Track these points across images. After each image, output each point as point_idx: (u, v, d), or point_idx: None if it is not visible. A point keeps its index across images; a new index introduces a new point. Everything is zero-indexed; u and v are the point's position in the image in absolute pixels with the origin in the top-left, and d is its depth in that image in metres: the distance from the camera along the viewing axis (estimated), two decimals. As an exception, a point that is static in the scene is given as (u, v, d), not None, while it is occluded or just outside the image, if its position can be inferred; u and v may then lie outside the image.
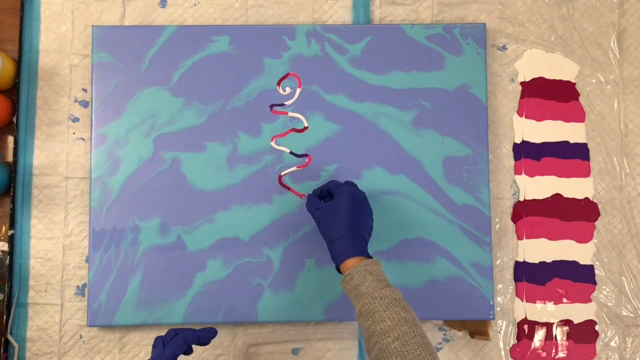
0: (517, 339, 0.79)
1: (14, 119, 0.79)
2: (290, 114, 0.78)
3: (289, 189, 0.77)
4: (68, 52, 0.81)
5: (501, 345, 0.79)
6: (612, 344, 0.80)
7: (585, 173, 0.82)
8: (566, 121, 0.82)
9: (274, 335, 0.78)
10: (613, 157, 0.82)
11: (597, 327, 0.80)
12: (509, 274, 0.80)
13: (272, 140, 0.78)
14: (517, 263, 0.80)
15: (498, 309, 0.80)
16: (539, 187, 0.81)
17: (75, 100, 0.80)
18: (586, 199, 0.81)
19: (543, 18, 0.84)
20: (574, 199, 0.81)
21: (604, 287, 0.80)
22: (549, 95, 0.82)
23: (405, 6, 0.83)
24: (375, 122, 0.79)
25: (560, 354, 0.79)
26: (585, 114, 0.83)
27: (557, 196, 0.81)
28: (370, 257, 0.63)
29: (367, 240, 0.66)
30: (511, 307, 0.80)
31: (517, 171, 0.82)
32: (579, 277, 0.80)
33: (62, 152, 0.80)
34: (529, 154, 0.82)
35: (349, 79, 0.79)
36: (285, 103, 0.78)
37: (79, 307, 0.78)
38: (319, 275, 0.76)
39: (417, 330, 0.56)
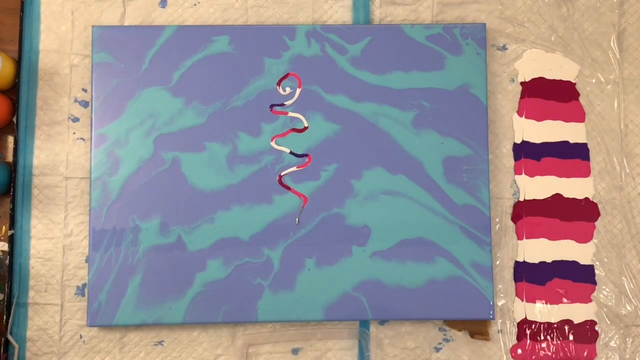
0: (517, 339, 0.79)
1: (14, 119, 0.79)
2: (290, 114, 0.78)
3: (289, 189, 0.77)
4: (68, 52, 0.81)
5: (501, 345, 0.79)
6: (612, 344, 0.80)
7: (585, 173, 0.82)
8: (566, 121, 0.82)
9: (274, 335, 0.78)
10: (613, 157, 0.82)
11: (597, 327, 0.80)
12: (509, 274, 0.80)
13: (272, 140, 0.78)
14: (517, 263, 0.80)
15: (498, 309, 0.80)
16: (539, 187, 0.81)
17: (75, 100, 0.80)
18: (586, 199, 0.81)
19: (543, 18, 0.84)
20: (574, 199, 0.81)
21: (604, 287, 0.80)
22: (549, 95, 0.82)
23: (405, 6, 0.83)
24: (375, 122, 0.79)
25: (560, 354, 0.79)
26: (585, 114, 0.83)
27: (557, 196, 0.81)
28: None
29: None
30: (511, 307, 0.80)
31: (517, 171, 0.82)
32: (579, 277, 0.80)
33: (62, 152, 0.80)
34: (529, 154, 0.82)
35: (349, 79, 0.79)
36: (285, 103, 0.79)
37: (79, 307, 0.78)
38: (319, 275, 0.76)
39: None
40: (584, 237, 0.81)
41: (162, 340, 0.78)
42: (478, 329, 0.77)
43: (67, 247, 0.78)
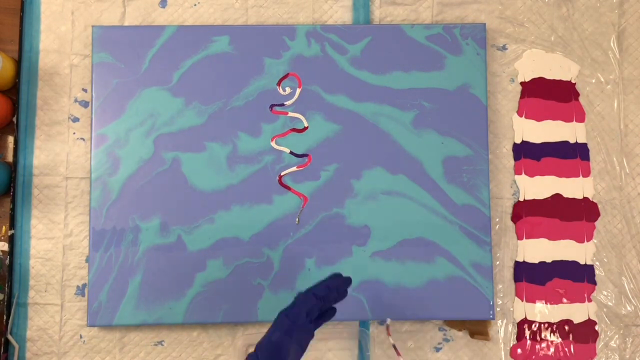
0: (517, 339, 0.79)
1: (14, 119, 0.79)
2: (290, 114, 0.78)
3: (289, 189, 0.77)
4: (68, 52, 0.81)
5: (501, 345, 0.79)
6: (612, 343, 0.80)
7: (585, 173, 0.82)
8: (566, 121, 0.82)
9: (274, 335, 0.78)
10: (613, 157, 0.82)
11: (597, 327, 0.80)
12: (509, 274, 0.80)
13: (272, 140, 0.78)
14: (517, 263, 0.80)
15: (498, 309, 0.80)
16: (538, 187, 0.81)
17: (76, 100, 0.80)
18: (586, 199, 0.81)
19: (543, 18, 0.84)
20: (573, 199, 0.81)
21: (603, 287, 0.80)
22: (549, 95, 0.82)
23: (405, 6, 0.83)
24: (375, 122, 0.79)
25: (560, 354, 0.79)
26: (585, 114, 0.83)
27: (557, 196, 0.81)
28: None
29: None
30: (511, 307, 0.80)
31: (517, 171, 0.82)
32: (578, 277, 0.80)
33: (62, 152, 0.80)
34: (529, 154, 0.82)
35: (349, 79, 0.79)
36: (285, 103, 0.78)
37: (79, 307, 0.78)
38: (319, 275, 0.76)
39: None
40: (583, 237, 0.81)
41: (162, 340, 0.78)
42: (478, 329, 0.77)
43: (67, 247, 0.78)
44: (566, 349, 0.79)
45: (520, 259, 0.80)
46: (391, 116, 0.79)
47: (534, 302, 0.79)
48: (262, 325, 0.78)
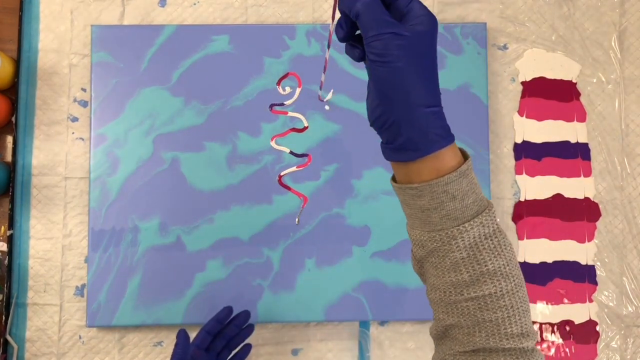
0: (517, 339, 0.79)
1: (13, 119, 0.78)
2: (290, 113, 0.78)
3: (289, 189, 0.77)
4: (67, 52, 0.80)
5: (502, 345, 0.79)
6: (613, 344, 0.79)
7: (586, 173, 0.81)
8: (567, 121, 0.82)
9: (274, 336, 0.78)
10: (614, 157, 0.82)
11: (598, 328, 0.79)
12: (509, 274, 0.80)
13: (272, 140, 0.78)
14: (517, 263, 0.80)
15: (499, 309, 0.79)
16: (539, 187, 0.81)
17: (75, 100, 0.80)
18: (587, 199, 0.81)
19: (544, 17, 0.83)
20: (574, 199, 0.81)
21: (605, 287, 0.80)
22: (550, 95, 0.82)
23: (405, 5, 0.83)
24: (376, 122, 0.78)
25: (561, 355, 0.79)
26: (586, 113, 0.82)
27: (558, 196, 0.81)
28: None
29: None
30: (512, 307, 0.79)
31: (518, 171, 0.81)
32: (579, 277, 0.80)
33: (61, 152, 0.79)
34: (530, 154, 0.81)
35: (349, 78, 0.79)
36: (285, 103, 0.78)
37: (78, 307, 0.77)
38: (319, 275, 0.76)
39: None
40: (584, 237, 0.80)
41: (162, 341, 0.78)
42: (478, 329, 0.77)
43: (66, 247, 0.78)
44: (567, 350, 0.79)
45: (521, 259, 0.80)
46: (391, 116, 0.78)
47: (534, 302, 0.79)
48: (262, 325, 0.78)
